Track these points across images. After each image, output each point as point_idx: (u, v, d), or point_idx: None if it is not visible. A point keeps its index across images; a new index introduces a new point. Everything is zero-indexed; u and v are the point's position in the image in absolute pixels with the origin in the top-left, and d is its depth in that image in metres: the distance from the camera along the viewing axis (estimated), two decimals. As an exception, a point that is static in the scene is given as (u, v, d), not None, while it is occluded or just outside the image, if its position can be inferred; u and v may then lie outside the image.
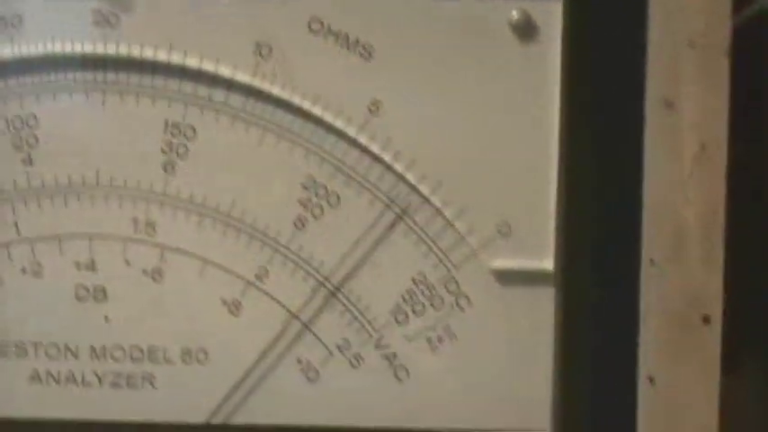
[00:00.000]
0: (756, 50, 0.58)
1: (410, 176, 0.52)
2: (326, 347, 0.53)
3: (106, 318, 0.52)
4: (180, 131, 0.52)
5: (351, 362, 0.53)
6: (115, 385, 0.53)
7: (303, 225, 0.52)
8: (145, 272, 0.52)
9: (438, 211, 0.52)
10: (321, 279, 0.52)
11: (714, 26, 0.51)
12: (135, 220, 0.52)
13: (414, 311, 0.52)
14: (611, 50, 0.52)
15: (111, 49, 0.51)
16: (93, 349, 0.52)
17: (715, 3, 0.51)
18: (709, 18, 0.51)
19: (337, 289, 0.52)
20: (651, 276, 0.51)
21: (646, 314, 0.51)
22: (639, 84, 0.51)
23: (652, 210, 0.51)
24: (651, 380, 0.51)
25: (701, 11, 0.51)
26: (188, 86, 0.51)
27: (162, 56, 0.51)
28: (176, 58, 0.51)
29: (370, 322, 0.52)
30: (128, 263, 0.52)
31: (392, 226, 0.52)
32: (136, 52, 0.51)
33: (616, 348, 0.52)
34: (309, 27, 0.51)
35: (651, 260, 0.51)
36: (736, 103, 0.51)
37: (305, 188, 0.52)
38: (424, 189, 0.52)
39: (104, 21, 0.51)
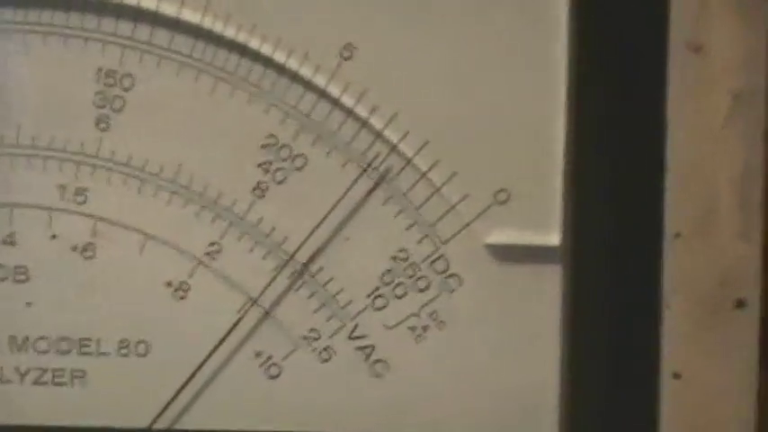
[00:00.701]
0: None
1: (390, 134, 0.46)
2: (290, 338, 0.47)
3: (28, 303, 0.47)
4: (116, 81, 0.46)
5: (319, 355, 0.47)
6: (39, 383, 0.47)
7: (263, 193, 0.46)
8: (74, 248, 0.47)
9: (423, 176, 0.46)
10: (285, 257, 0.46)
11: (748, -47, 0.46)
12: (62, 187, 0.47)
13: (395, 295, 0.47)
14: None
15: None
16: (12, 340, 0.47)
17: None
18: (742, -57, 0.46)
19: (304, 269, 0.46)
20: (676, 252, 0.46)
21: (670, 297, 0.46)
22: (661, 24, 0.46)
23: (677, 173, 0.46)
24: (676, 375, 0.46)
25: (732, -65, 0.46)
26: (125, 27, 0.46)
27: None
28: None
29: (342, 308, 0.47)
30: (53, 237, 0.47)
31: (369, 193, 0.46)
32: None
33: (634, 338, 0.47)
34: None
35: (676, 233, 0.46)
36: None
37: (265, 148, 0.46)
38: (407, 149, 0.46)
39: None
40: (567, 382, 0.47)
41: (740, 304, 0.46)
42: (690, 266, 0.45)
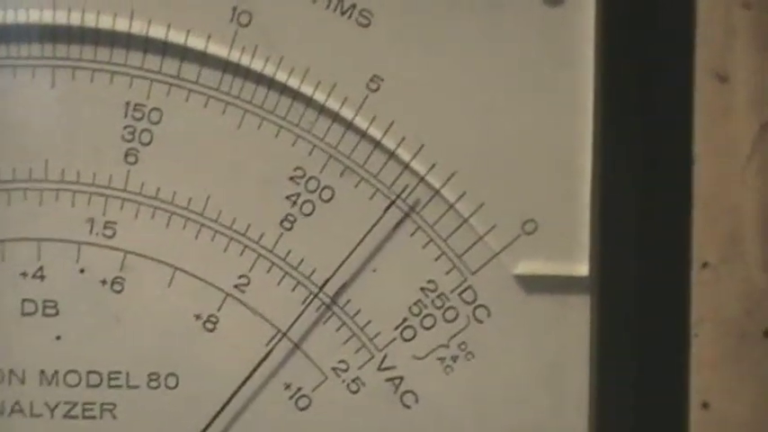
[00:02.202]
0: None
1: (418, 165, 0.47)
2: (320, 370, 0.48)
3: (58, 337, 0.47)
4: (144, 115, 0.47)
5: (349, 386, 0.48)
6: (69, 416, 0.47)
7: (291, 225, 0.47)
8: (103, 282, 0.47)
9: (451, 207, 0.47)
10: (313, 289, 0.47)
11: (774, -17, 0.47)
12: (91, 221, 0.47)
13: (423, 326, 0.47)
14: (653, 14, 0.48)
15: (60, 18, 0.46)
16: (42, 375, 0.47)
17: (773, -44, 0.47)
18: (767, -26, 0.47)
19: (333, 301, 0.47)
20: (703, 282, 0.46)
21: (697, 327, 0.46)
22: (687, 55, 0.47)
23: (704, 203, 0.46)
24: (705, 405, 0.46)
25: (758, -34, 0.47)
26: (153, 61, 0.46)
27: (122, 24, 0.46)
28: (138, 28, 0.46)
29: (371, 340, 0.47)
30: (82, 271, 0.47)
31: (397, 225, 0.47)
32: (91, 21, 0.46)
33: (662, 368, 0.48)
34: None
35: (704, 263, 0.46)
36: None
37: (293, 181, 0.47)
38: (435, 180, 0.47)
39: None
40: (595, 412, 0.47)
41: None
42: (717, 296, 0.46)
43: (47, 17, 0.46)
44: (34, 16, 0.46)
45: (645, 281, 0.48)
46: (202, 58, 0.46)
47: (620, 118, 0.47)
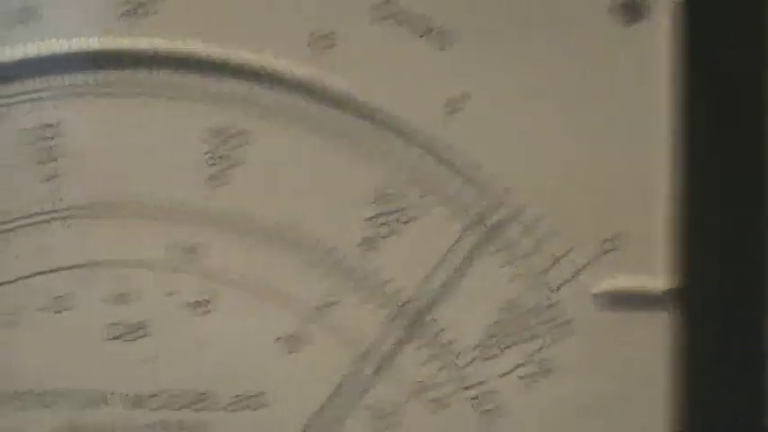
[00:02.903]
0: None
1: (498, 186, 0.48)
2: (404, 389, 0.48)
3: (146, 359, 0.48)
4: (227, 139, 0.48)
5: (433, 405, 0.48)
6: None
7: (374, 246, 0.48)
8: (189, 305, 0.48)
9: (531, 226, 0.48)
10: (397, 309, 0.48)
11: None
12: (177, 244, 0.48)
13: (505, 344, 0.48)
14: (729, 28, 0.48)
15: (142, 43, 0.47)
16: (130, 397, 0.48)
17: None
18: None
19: (416, 321, 0.48)
20: None
21: None
22: (763, 69, 0.47)
23: None
24: None
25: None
26: (235, 86, 0.47)
27: (201, 49, 0.47)
28: (219, 52, 0.47)
29: (454, 358, 0.48)
30: (169, 294, 0.48)
31: (478, 245, 0.48)
32: (171, 46, 0.47)
33: (744, 384, 0.48)
34: (376, 12, 0.47)
35: None
36: None
37: (375, 203, 0.48)
38: (515, 200, 0.48)
39: (134, 9, 0.47)
40: (679, 425, 0.48)
41: None
42: None
43: (129, 43, 0.47)
44: (116, 42, 0.47)
45: (725, 296, 0.48)
46: (283, 82, 0.47)
47: (698, 138, 0.48)
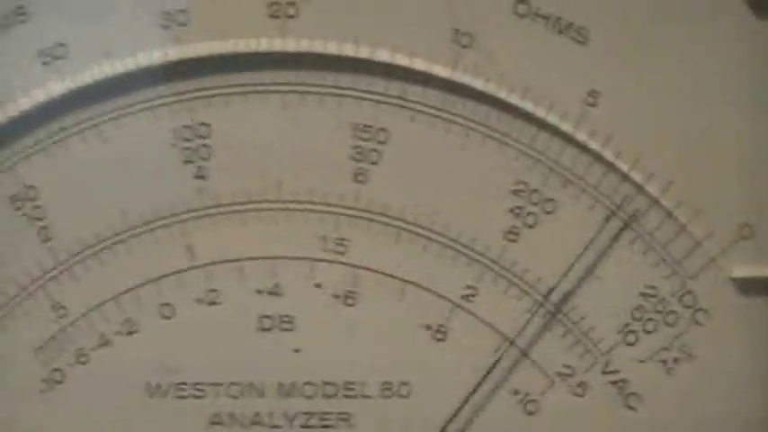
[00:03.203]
0: None
1: (636, 176, 0.49)
2: (547, 375, 0.50)
3: (295, 350, 0.50)
4: (371, 135, 0.49)
5: (575, 391, 0.50)
6: (307, 426, 0.50)
7: (516, 237, 0.49)
8: (336, 296, 0.50)
9: (670, 214, 0.49)
10: (539, 298, 0.49)
11: None
12: (323, 238, 0.50)
13: (645, 330, 0.50)
14: None
15: (289, 45, 0.49)
16: (280, 386, 0.50)
17: None
18: None
19: (557, 308, 0.49)
20: None
21: None
22: None
23: None
24: None
25: None
26: (379, 84, 0.49)
27: (348, 50, 0.49)
28: (364, 52, 0.49)
29: (595, 345, 0.50)
30: (317, 286, 0.50)
31: (618, 234, 0.49)
32: (318, 47, 0.49)
33: None
34: (515, 10, 0.49)
35: None
36: None
37: (516, 194, 0.49)
38: (653, 190, 0.49)
39: (281, 12, 0.49)
40: None
41: None
42: None
43: (276, 45, 0.48)
44: (264, 44, 0.49)
45: None
46: (426, 80, 0.48)
47: None
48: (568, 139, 0.49)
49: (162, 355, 0.49)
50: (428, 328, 0.49)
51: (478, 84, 0.48)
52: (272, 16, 0.49)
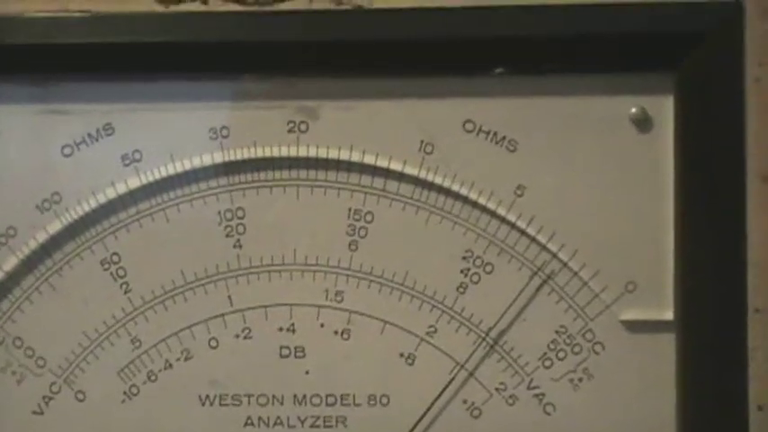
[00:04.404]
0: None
1: (552, 246, 0.63)
2: (487, 390, 0.64)
3: (306, 371, 0.64)
4: (361, 217, 0.64)
5: (507, 401, 0.64)
6: (314, 426, 0.64)
7: (465, 290, 0.64)
8: (336, 332, 0.64)
9: (576, 274, 0.63)
10: (482, 334, 0.63)
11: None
12: (326, 291, 0.64)
13: (558, 357, 0.64)
14: (715, 135, 0.62)
15: (302, 152, 0.64)
16: (295, 397, 0.64)
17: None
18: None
19: (495, 342, 0.64)
20: (755, 321, 0.61)
21: (753, 353, 0.61)
22: (741, 162, 0.62)
23: (755, 266, 0.61)
24: (760, 408, 0.61)
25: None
26: (367, 179, 0.63)
27: (344, 155, 0.63)
28: (356, 157, 0.63)
29: (522, 368, 0.64)
30: (322, 326, 0.64)
31: (539, 288, 0.64)
32: (323, 153, 0.64)
33: (729, 383, 0.62)
34: (464, 127, 0.64)
35: (756, 308, 0.61)
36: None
37: (464, 259, 0.63)
38: (564, 256, 0.63)
39: (296, 128, 0.64)
40: (682, 416, 0.62)
41: None
42: (765, 331, 0.61)
43: (293, 151, 0.63)
44: (284, 151, 0.63)
45: (714, 322, 0.61)
46: (400, 176, 0.63)
47: (694, 209, 0.61)
48: (502, 220, 0.63)
49: (210, 374, 0.64)
50: (402, 355, 0.63)
51: (438, 179, 0.63)
52: (290, 131, 0.63)
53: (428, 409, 0.64)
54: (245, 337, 0.64)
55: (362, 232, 0.64)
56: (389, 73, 0.63)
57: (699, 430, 0.63)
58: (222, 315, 0.64)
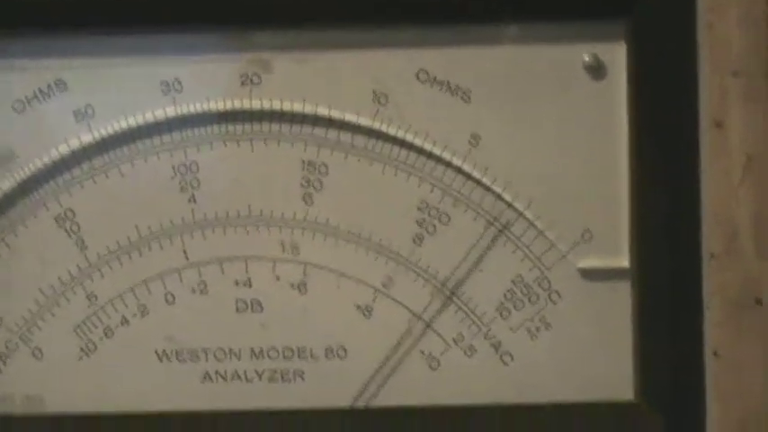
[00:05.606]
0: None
1: (507, 196, 0.65)
2: (445, 341, 0.65)
3: (262, 325, 0.65)
4: (315, 169, 0.65)
5: (465, 351, 0.65)
6: (272, 380, 0.65)
7: (420, 241, 0.65)
8: (292, 285, 0.65)
9: (532, 224, 0.65)
10: (438, 285, 0.65)
11: (753, 57, 0.63)
12: (282, 243, 0.65)
13: (515, 307, 0.65)
14: (667, 82, 0.63)
15: (255, 105, 0.65)
16: (252, 351, 0.65)
17: (753, 37, 0.63)
18: (748, 51, 0.63)
19: (452, 292, 0.65)
20: (711, 267, 0.63)
21: (708, 299, 0.63)
22: (694, 108, 0.63)
23: (710, 212, 0.63)
24: (716, 354, 0.63)
25: (741, 46, 0.63)
26: (320, 131, 0.65)
27: (297, 107, 0.65)
28: (309, 109, 0.65)
29: (479, 318, 0.65)
30: (278, 279, 0.65)
31: (495, 238, 0.65)
32: (276, 105, 0.65)
33: (686, 330, 0.63)
34: (418, 77, 0.65)
35: (711, 254, 0.62)
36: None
37: (420, 210, 0.65)
38: (519, 206, 0.65)
39: (249, 81, 0.65)
40: (638, 362, 0.64)
41: (758, 302, 0.62)
42: (721, 277, 0.62)
43: (246, 104, 0.64)
44: (237, 104, 0.64)
45: (670, 269, 0.62)
46: (354, 128, 0.64)
47: (648, 157, 0.62)
48: (457, 170, 0.64)
49: (167, 330, 0.65)
50: (358, 307, 0.65)
51: (392, 130, 0.64)
52: (243, 84, 0.65)
53: (385, 362, 0.66)
54: (201, 292, 0.66)
55: (317, 185, 0.65)
56: (342, 24, 0.64)
57: (655, 377, 0.64)
58: (178, 270, 0.66)
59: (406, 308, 0.65)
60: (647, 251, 0.64)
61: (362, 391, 0.66)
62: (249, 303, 0.66)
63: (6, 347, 0.66)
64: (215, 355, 0.66)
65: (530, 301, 0.66)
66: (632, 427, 0.64)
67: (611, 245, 0.65)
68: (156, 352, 0.66)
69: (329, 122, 0.65)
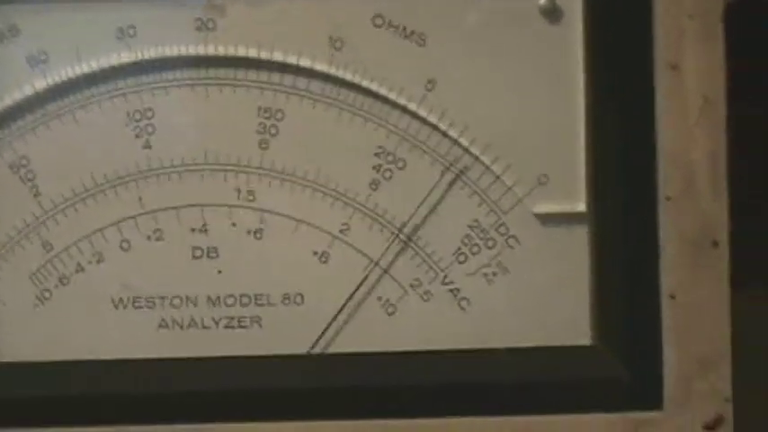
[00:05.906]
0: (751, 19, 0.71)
1: (463, 141, 0.65)
2: (402, 287, 0.65)
3: (219, 272, 0.65)
4: (271, 115, 0.65)
5: (422, 297, 0.65)
6: (229, 327, 0.65)
7: (377, 186, 0.65)
8: (248, 232, 0.65)
9: (488, 168, 0.65)
10: (395, 231, 0.65)
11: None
12: (238, 190, 0.65)
13: (472, 252, 0.65)
14: (623, 25, 0.64)
15: (210, 50, 0.65)
16: (209, 298, 0.65)
17: (708, -20, 0.64)
18: (704, -8, 0.64)
19: (409, 238, 0.65)
20: (667, 210, 0.63)
21: (665, 242, 0.63)
22: (649, 51, 0.63)
23: (666, 154, 0.63)
24: (672, 296, 0.63)
25: (697, -13, 0.64)
26: (275, 77, 0.65)
27: (252, 52, 0.65)
28: (264, 54, 0.65)
29: (436, 263, 0.65)
30: (234, 225, 0.65)
31: (451, 183, 0.65)
32: (231, 51, 0.65)
33: (643, 273, 0.64)
34: (373, 22, 0.65)
35: (667, 196, 0.63)
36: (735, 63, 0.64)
37: (377, 156, 0.65)
38: (476, 150, 0.65)
39: (204, 26, 0.65)
40: (595, 305, 0.64)
41: (715, 244, 0.63)
42: (678, 220, 0.62)
43: (201, 50, 0.65)
44: (192, 50, 0.65)
45: (626, 213, 0.63)
46: (310, 73, 0.65)
47: (604, 99, 0.63)
48: (413, 115, 0.64)
49: (122, 277, 0.65)
50: (315, 253, 0.65)
51: (348, 76, 0.65)
52: (198, 29, 0.65)
53: (342, 307, 0.66)
54: (156, 239, 0.66)
55: (273, 130, 0.65)
56: (297, -31, 0.65)
57: (612, 320, 0.65)
58: (133, 217, 0.66)
59: (363, 254, 0.66)
60: (603, 195, 0.65)
61: (320, 337, 0.66)
62: (205, 250, 0.66)
63: (-39, 296, 0.66)
64: (171, 303, 0.66)
65: (487, 246, 0.66)
66: (590, 370, 0.65)
67: (568, 189, 0.65)
68: (111, 299, 0.66)
69: (284, 68, 0.65)
